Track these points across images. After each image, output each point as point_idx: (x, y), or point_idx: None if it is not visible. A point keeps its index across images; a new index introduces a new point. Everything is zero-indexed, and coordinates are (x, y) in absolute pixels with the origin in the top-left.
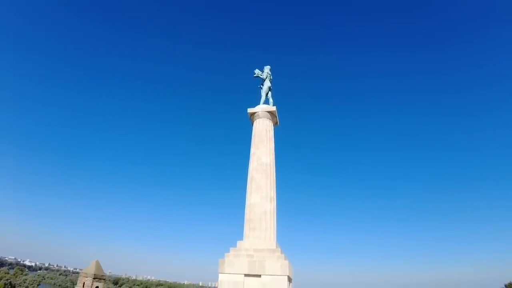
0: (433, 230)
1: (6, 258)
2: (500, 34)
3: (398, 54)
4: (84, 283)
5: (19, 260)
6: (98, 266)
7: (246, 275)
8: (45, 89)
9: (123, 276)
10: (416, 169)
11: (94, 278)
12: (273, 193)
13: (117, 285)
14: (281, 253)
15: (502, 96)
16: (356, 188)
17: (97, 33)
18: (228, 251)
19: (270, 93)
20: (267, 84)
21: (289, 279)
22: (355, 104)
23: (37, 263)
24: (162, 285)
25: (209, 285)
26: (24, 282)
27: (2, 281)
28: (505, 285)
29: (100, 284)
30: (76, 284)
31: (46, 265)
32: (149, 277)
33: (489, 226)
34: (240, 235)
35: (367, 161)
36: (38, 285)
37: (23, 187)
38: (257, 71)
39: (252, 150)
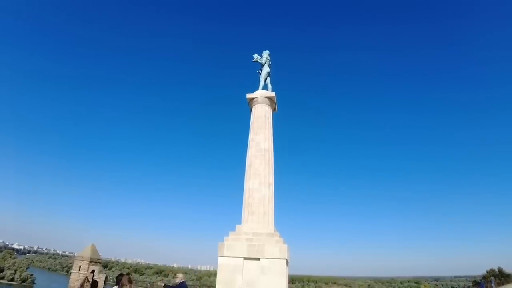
0: (431, 226)
1: None
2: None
3: (399, 52)
4: (80, 266)
5: (7, 243)
6: (94, 249)
7: (245, 258)
8: (46, 87)
9: (113, 259)
10: (417, 165)
11: (90, 262)
12: (271, 179)
13: (106, 268)
14: (280, 237)
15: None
16: (354, 180)
17: (100, 31)
18: (228, 235)
19: (269, 78)
20: (266, 69)
21: (287, 262)
22: (354, 101)
23: (26, 246)
24: (151, 268)
25: (198, 268)
26: (13, 266)
27: None
28: (486, 272)
29: (96, 268)
30: (67, 267)
31: (35, 248)
32: (138, 260)
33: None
34: (238, 220)
35: (364, 154)
36: (27, 268)
37: (11, 172)
38: (256, 56)
39: (251, 136)
